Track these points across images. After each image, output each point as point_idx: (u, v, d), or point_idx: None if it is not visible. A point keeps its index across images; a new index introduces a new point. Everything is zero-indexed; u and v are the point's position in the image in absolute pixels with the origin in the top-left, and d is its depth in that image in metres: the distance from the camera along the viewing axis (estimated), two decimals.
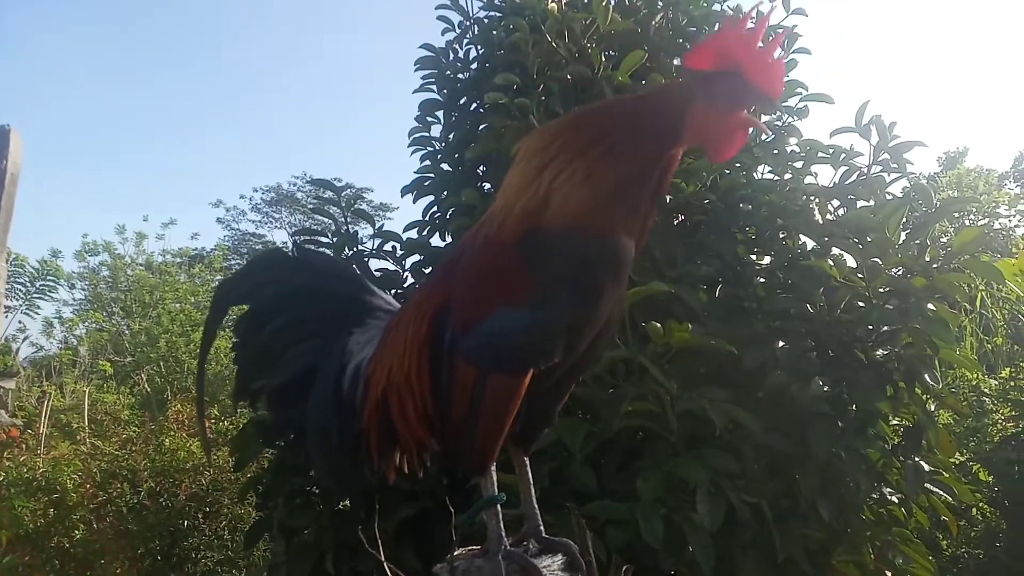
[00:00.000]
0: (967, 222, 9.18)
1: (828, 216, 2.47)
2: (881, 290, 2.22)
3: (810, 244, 2.49)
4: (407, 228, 2.84)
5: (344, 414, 1.19)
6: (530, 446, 1.23)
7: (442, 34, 3.08)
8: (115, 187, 35.01)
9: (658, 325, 1.98)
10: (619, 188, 1.03)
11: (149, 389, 6.98)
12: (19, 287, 7.80)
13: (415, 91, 2.98)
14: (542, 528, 1.22)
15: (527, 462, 1.23)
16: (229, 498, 3.85)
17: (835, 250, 2.36)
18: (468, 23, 3.05)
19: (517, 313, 1.02)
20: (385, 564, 1.44)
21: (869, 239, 2.19)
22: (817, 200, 2.48)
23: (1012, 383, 4.37)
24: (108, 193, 34.41)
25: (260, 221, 22.18)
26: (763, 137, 2.61)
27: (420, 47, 3.01)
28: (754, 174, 2.63)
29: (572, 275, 1.01)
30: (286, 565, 2.28)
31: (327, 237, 2.67)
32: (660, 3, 2.85)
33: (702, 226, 2.49)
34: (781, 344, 2.20)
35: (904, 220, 2.29)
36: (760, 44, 1.05)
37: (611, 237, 1.03)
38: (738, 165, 2.54)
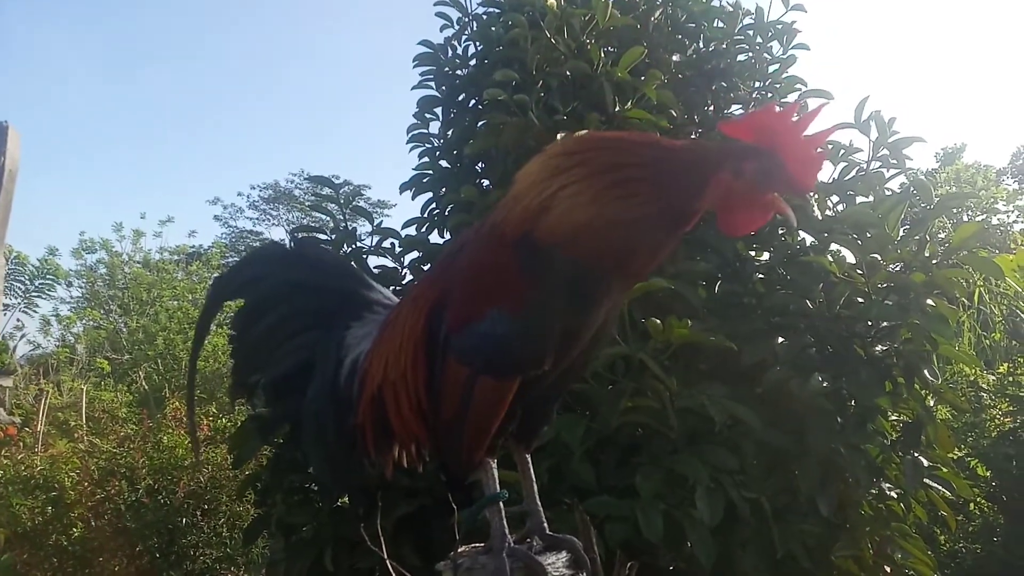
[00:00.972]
0: (965, 218, 9.18)
1: (827, 212, 2.47)
2: (880, 286, 2.21)
3: (809, 240, 2.48)
4: (406, 225, 2.85)
5: (340, 408, 1.18)
6: (531, 443, 1.22)
7: (441, 30, 3.09)
8: (112, 184, 34.97)
9: (657, 321, 1.98)
10: (619, 223, 1.01)
11: (147, 387, 6.98)
12: (18, 285, 7.79)
13: (414, 87, 2.98)
14: (546, 525, 1.21)
15: (529, 459, 1.23)
16: (227, 495, 3.85)
17: (834, 246, 2.36)
18: (467, 19, 3.05)
19: (509, 317, 1.01)
20: (388, 562, 1.44)
21: (868, 235, 2.19)
22: (816, 196, 2.47)
23: (1010, 379, 4.39)
24: (105, 190, 34.37)
25: (258, 218, 22.24)
26: None
27: (419, 43, 3.01)
28: None
29: (559, 288, 1.00)
30: (285, 562, 2.27)
31: (325, 234, 2.67)
32: None
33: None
34: (780, 340, 2.20)
35: (903, 216, 2.29)
36: (805, 134, 1.02)
37: (594, 268, 1.02)
38: None
